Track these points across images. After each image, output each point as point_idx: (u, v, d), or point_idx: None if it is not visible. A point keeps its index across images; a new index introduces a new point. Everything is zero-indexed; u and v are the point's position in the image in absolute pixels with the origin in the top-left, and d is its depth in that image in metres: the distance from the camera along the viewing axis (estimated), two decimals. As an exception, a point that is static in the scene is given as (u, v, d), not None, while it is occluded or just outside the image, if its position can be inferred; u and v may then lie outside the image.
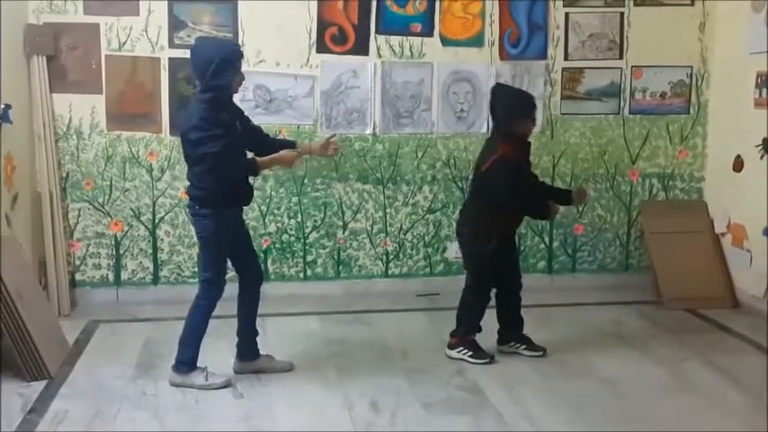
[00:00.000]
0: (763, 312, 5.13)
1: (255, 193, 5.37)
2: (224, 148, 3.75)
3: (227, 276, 4.07)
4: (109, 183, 5.40)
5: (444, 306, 5.40)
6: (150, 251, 5.50)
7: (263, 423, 3.61)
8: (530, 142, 4.40)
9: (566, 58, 5.74)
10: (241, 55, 3.96)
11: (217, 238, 3.92)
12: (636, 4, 5.72)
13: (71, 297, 5.32)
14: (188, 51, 4.91)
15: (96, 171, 5.38)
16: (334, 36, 5.48)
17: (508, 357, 4.45)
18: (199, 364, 4.02)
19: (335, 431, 3.55)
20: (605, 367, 4.31)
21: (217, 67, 3.75)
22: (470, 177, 4.46)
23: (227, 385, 3.98)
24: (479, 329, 4.42)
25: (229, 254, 4.05)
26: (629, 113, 5.86)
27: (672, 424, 3.64)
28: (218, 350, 4.32)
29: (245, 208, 4.17)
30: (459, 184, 5.73)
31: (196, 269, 5.44)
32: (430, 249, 5.83)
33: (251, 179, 4.10)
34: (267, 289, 5.44)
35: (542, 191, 4.51)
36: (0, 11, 4.53)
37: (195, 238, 4.39)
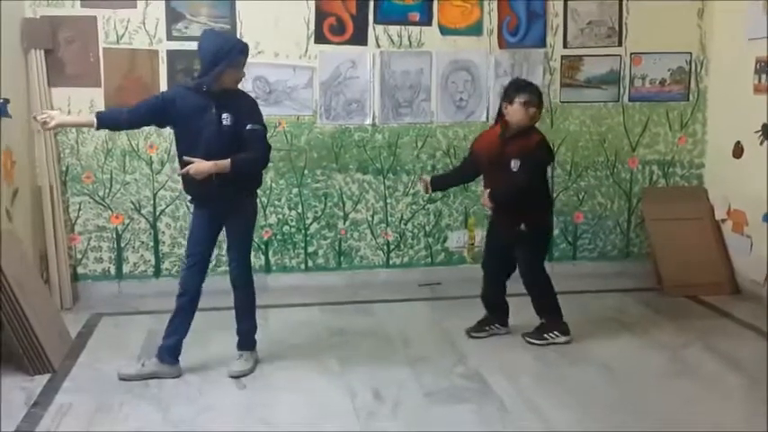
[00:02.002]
0: (764, 298, 5.14)
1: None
2: (130, 114, 3.95)
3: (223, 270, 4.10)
4: (109, 176, 5.40)
5: (446, 295, 5.44)
6: (151, 244, 5.51)
7: (267, 413, 3.62)
8: (503, 127, 4.33)
9: (565, 46, 5.73)
10: (240, 51, 3.85)
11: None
12: (634, -9, 5.72)
13: (73, 291, 5.33)
14: (185, 43, 4.86)
15: (96, 164, 5.38)
16: (332, 26, 5.47)
17: (509, 346, 4.46)
18: (201, 358, 4.03)
19: (338, 420, 3.56)
20: (606, 354, 4.32)
21: (213, 57, 3.76)
22: None
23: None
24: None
25: (192, 244, 4.06)
26: (629, 101, 5.86)
27: (672, 409, 3.65)
28: (221, 342, 4.34)
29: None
30: (460, 173, 5.73)
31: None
32: (431, 239, 5.84)
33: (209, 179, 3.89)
34: (269, 280, 5.55)
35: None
36: (-3, 5, 4.53)
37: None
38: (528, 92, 4.27)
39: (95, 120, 3.90)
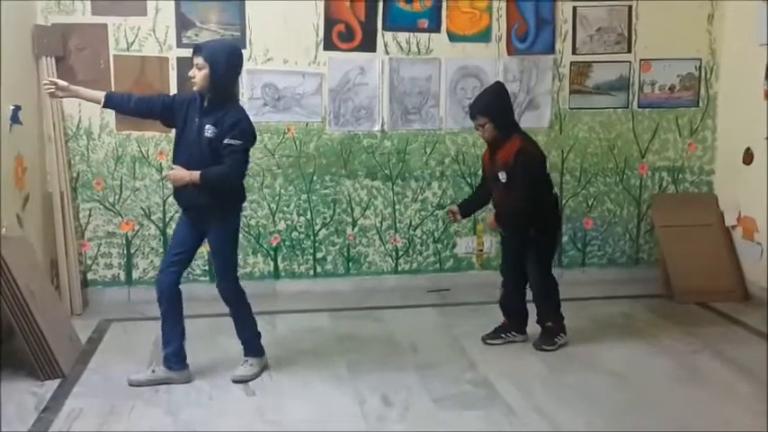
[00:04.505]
0: (775, 305, 5.12)
1: (265, 191, 5.45)
2: (138, 102, 3.97)
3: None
4: (119, 182, 5.43)
5: (454, 302, 5.44)
6: (161, 250, 5.52)
7: (276, 418, 3.63)
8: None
9: (574, 52, 5.73)
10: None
11: None
12: (643, -3, 5.72)
13: (83, 296, 5.36)
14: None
15: (106, 171, 5.41)
16: (341, 33, 5.49)
17: (518, 352, 4.46)
18: (210, 364, 4.03)
19: (347, 425, 3.56)
20: (615, 360, 4.31)
21: (236, 77, 3.98)
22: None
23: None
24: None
25: (170, 246, 4.16)
26: (638, 107, 5.85)
27: (680, 415, 3.64)
28: (230, 347, 4.35)
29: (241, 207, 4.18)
30: (468, 179, 5.73)
31: (206, 268, 5.48)
32: (439, 245, 5.84)
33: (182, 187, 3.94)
34: (278, 286, 5.57)
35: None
36: (1, 11, 4.54)
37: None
38: (471, 117, 4.42)
39: (103, 98, 3.94)
